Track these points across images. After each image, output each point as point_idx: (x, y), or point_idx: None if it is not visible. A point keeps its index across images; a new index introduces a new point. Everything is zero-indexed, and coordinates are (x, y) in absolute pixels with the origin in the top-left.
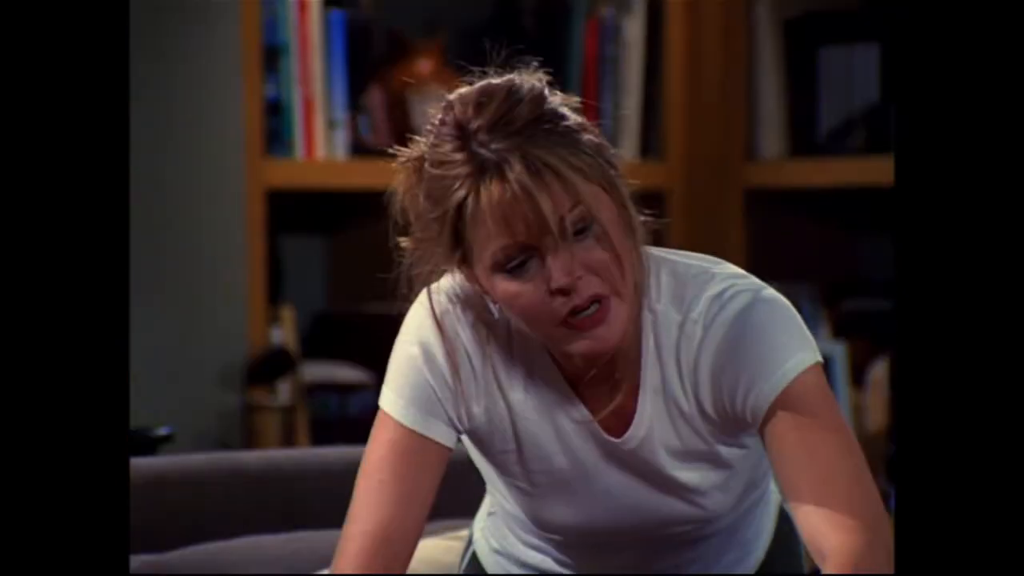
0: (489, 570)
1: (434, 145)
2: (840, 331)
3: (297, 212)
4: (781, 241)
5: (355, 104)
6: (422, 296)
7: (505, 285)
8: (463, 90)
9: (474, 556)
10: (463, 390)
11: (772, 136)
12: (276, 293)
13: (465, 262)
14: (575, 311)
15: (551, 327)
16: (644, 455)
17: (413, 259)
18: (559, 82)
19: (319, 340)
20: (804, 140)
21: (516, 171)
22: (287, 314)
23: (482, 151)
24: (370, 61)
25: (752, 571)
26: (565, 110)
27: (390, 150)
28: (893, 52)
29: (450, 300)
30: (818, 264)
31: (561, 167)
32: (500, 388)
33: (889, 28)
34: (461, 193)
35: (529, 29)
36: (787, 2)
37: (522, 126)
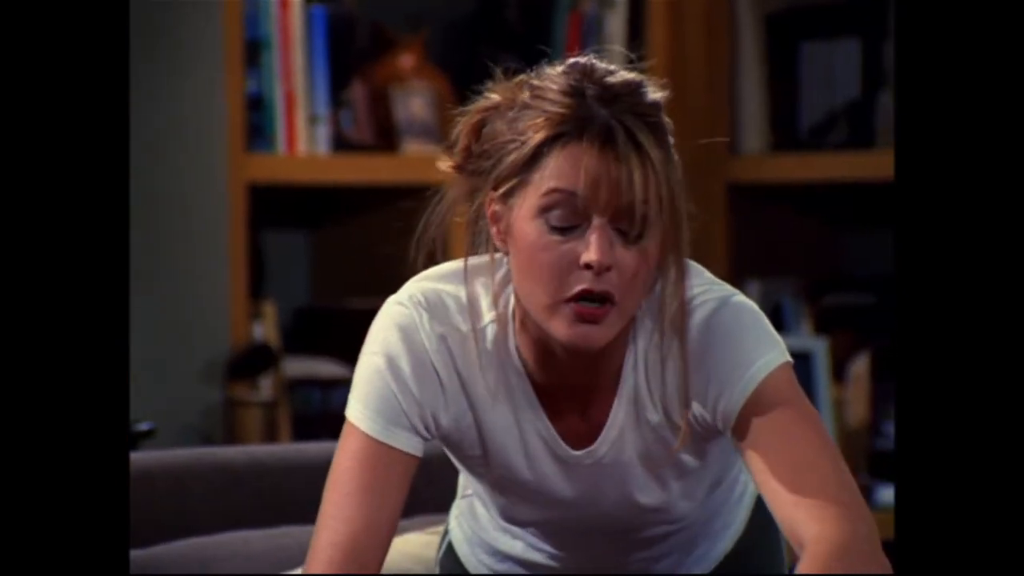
0: (463, 559)
1: (538, 86)
2: (822, 326)
3: (279, 207)
4: (764, 236)
5: (337, 99)
6: (386, 307)
7: (539, 233)
8: (595, 60)
9: (450, 546)
10: (429, 401)
11: (754, 131)
12: (258, 288)
13: (502, 198)
14: (584, 294)
15: (553, 297)
16: (608, 469)
17: (444, 189)
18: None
19: (301, 335)
20: (786, 135)
21: (622, 140)
22: (269, 309)
23: (594, 106)
24: (352, 56)
25: (713, 565)
26: (670, 134)
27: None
28: (874, 46)
29: (416, 310)
30: (800, 259)
31: (660, 164)
32: (468, 400)
33: (871, 23)
34: (555, 131)
35: (512, 22)
36: None
37: (639, 114)
